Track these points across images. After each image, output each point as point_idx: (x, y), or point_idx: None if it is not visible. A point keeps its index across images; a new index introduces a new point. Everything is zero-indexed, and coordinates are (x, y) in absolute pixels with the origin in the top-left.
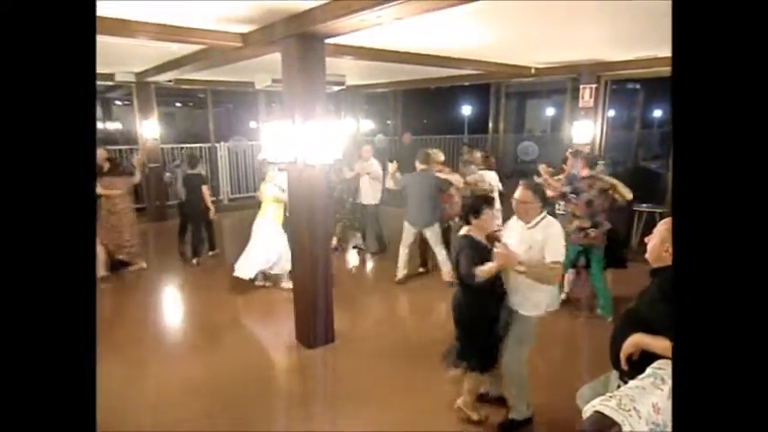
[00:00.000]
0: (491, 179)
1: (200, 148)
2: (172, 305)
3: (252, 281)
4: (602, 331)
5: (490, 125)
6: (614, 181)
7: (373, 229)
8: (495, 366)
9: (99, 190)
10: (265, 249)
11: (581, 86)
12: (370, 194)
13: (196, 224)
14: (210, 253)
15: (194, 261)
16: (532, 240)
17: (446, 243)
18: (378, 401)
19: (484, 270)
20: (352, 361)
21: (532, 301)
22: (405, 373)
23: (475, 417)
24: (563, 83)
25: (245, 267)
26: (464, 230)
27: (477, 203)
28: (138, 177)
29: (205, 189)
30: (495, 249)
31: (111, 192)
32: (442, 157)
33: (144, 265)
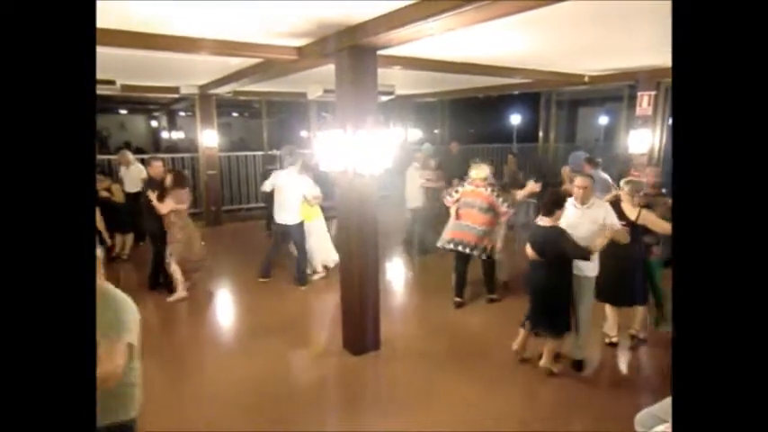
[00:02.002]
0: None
1: (254, 156)
2: (229, 310)
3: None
4: None
5: (540, 134)
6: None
7: (419, 232)
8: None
9: (171, 204)
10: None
11: (639, 94)
12: (415, 198)
13: None
14: None
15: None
16: (593, 216)
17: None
18: (424, 409)
19: (597, 244)
20: (399, 368)
21: (591, 265)
22: (453, 381)
23: (555, 369)
24: (618, 90)
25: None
26: (547, 222)
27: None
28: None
29: None
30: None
31: (180, 206)
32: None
33: (185, 294)
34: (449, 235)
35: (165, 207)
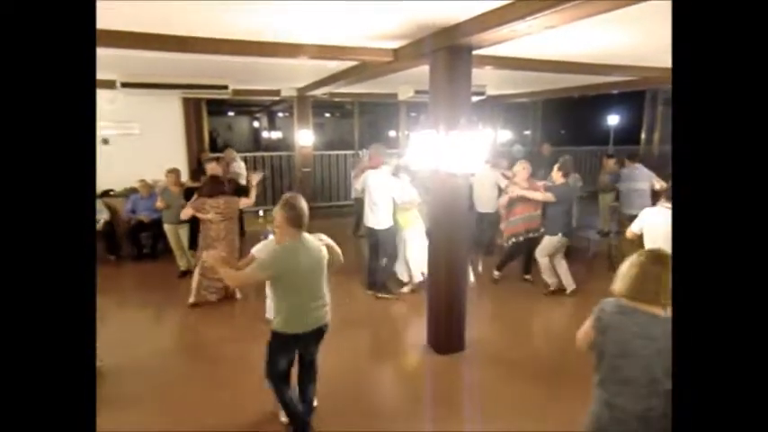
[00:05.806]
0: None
1: (345, 155)
2: None
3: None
4: None
5: (642, 135)
6: None
7: (486, 236)
8: None
9: (189, 211)
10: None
11: None
12: (487, 203)
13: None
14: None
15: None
16: None
17: None
18: (506, 414)
19: None
20: (483, 371)
21: None
22: (534, 387)
23: None
24: None
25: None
26: None
27: None
28: (251, 198)
29: None
30: None
31: (204, 215)
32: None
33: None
34: None
35: (184, 213)
